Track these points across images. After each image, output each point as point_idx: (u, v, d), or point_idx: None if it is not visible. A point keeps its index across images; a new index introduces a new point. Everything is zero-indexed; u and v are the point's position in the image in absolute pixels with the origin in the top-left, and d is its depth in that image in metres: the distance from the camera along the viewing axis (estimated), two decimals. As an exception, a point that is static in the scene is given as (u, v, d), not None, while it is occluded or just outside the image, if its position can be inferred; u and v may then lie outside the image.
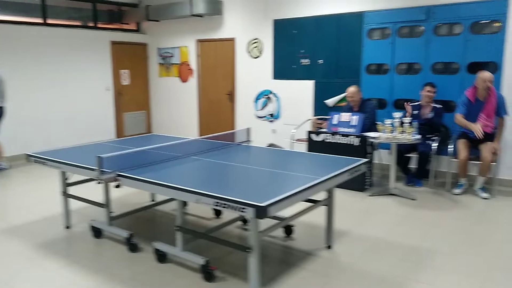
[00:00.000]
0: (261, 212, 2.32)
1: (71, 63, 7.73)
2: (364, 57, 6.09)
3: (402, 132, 4.79)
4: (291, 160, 3.61)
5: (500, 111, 4.87)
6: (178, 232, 3.13)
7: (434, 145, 5.16)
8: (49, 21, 7.47)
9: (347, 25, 6.19)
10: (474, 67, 5.23)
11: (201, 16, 7.70)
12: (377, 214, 4.44)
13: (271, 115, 7.33)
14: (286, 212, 3.09)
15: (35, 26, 7.26)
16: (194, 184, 2.75)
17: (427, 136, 5.27)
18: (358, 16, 6.04)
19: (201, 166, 3.35)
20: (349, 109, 5.66)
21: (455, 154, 5.17)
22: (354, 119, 5.25)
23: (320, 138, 5.43)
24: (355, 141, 5.13)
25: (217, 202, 2.49)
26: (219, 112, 8.07)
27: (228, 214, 4.17)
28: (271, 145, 6.89)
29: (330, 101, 6.51)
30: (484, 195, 4.87)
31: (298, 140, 6.27)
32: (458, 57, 5.33)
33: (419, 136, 4.84)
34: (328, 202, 3.47)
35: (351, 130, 5.22)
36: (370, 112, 5.48)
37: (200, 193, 2.57)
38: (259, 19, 7.14)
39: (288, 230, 3.79)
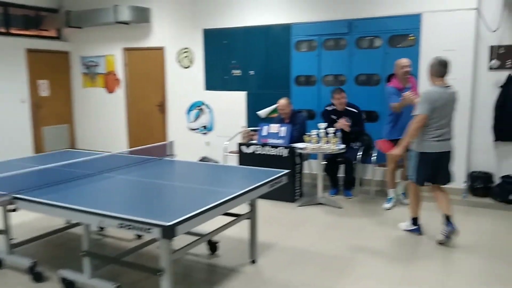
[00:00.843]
0: (168, 232, 2.15)
1: (-20, 72, 7.06)
2: (293, 69, 6.13)
3: (327, 142, 4.84)
4: (211, 174, 3.48)
5: None
6: (86, 258, 2.86)
7: (359, 153, 5.25)
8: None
9: (276, 36, 6.22)
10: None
11: (127, 23, 7.40)
12: (304, 224, 4.41)
13: (204, 127, 7.16)
14: (209, 227, 2.96)
15: None
16: (100, 205, 2.52)
17: (351, 142, 5.32)
18: (286, 28, 6.09)
19: (114, 184, 3.11)
20: (280, 120, 5.64)
21: (378, 161, 5.32)
22: (283, 130, 5.24)
23: (250, 150, 5.35)
24: (284, 152, 5.11)
25: (121, 224, 2.29)
26: (149, 124, 7.75)
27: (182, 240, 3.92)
28: (204, 158, 6.71)
29: (262, 112, 6.47)
30: (406, 201, 5.03)
31: (231, 152, 6.15)
32: (378, 69, 5.53)
33: (343, 146, 4.93)
34: (251, 216, 3.37)
35: (280, 141, 5.20)
36: (300, 124, 5.49)
37: (102, 215, 2.35)
38: (188, 28, 6.98)
39: (213, 246, 3.63)
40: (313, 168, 6.01)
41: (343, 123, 5.18)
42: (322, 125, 4.93)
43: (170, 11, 7.13)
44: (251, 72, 6.49)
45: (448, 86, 3.76)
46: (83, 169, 3.47)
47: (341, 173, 5.66)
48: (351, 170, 5.38)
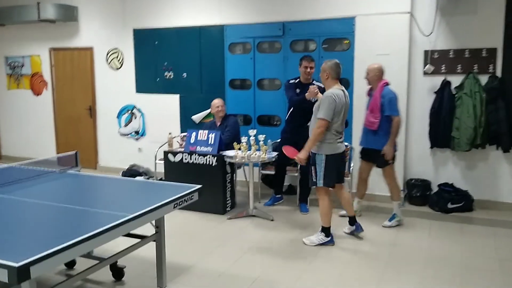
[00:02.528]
0: (17, 275, 1.77)
1: None
2: (227, 72, 5.83)
3: (257, 150, 4.58)
4: (109, 192, 3.12)
5: (383, 108, 4.25)
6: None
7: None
8: None
9: (210, 38, 5.90)
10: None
11: (53, 22, 6.84)
12: (229, 241, 4.11)
13: (136, 132, 6.73)
14: (114, 249, 2.62)
15: None
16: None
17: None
18: (219, 29, 5.78)
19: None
20: (213, 124, 5.32)
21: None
22: (211, 137, 4.91)
23: (177, 158, 5.00)
24: (213, 161, 4.80)
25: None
26: (78, 129, 7.21)
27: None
28: (133, 166, 6.28)
29: (196, 117, 6.14)
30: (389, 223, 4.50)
31: (161, 159, 5.76)
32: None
33: (274, 154, 4.68)
34: (157, 238, 3.03)
35: (209, 149, 4.88)
36: (232, 126, 5.16)
37: None
38: (118, 27, 6.53)
39: (118, 272, 3.24)
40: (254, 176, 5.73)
41: (313, 90, 4.31)
42: (252, 131, 4.66)
43: (98, 9, 6.65)
44: (184, 75, 6.14)
45: (343, 88, 3.91)
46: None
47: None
48: (308, 183, 4.98)
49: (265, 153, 4.57)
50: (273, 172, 5.20)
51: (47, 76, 7.31)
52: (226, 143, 4.93)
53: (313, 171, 3.88)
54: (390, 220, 4.51)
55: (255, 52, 5.60)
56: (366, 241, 4.10)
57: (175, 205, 2.80)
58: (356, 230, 4.14)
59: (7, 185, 3.08)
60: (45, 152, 7.33)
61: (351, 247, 3.95)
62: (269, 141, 4.73)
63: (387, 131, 4.29)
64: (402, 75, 4.92)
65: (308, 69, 4.75)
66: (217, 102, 5.25)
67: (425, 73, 4.96)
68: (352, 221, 4.15)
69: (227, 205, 4.94)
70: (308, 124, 4.72)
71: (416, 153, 5.13)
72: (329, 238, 3.96)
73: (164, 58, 6.25)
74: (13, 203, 2.72)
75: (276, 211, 4.98)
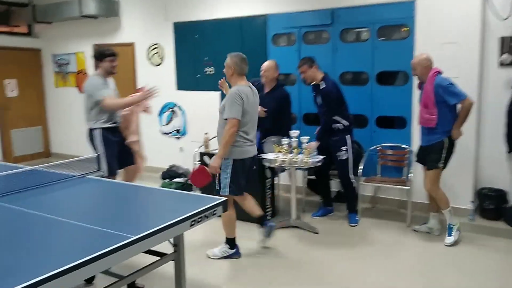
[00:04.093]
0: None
1: None
2: (270, 66, 5.36)
3: (299, 153, 4.06)
4: (124, 203, 2.76)
5: (441, 100, 3.67)
6: None
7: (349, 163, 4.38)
8: None
9: (252, 29, 5.46)
10: (384, 78, 4.66)
11: (95, 17, 6.73)
12: (264, 256, 3.65)
13: (178, 130, 6.46)
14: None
15: None
16: None
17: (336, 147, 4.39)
18: (262, 20, 5.33)
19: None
20: (261, 87, 4.54)
21: (367, 175, 4.55)
22: (250, 138, 4.45)
23: (213, 160, 4.61)
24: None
25: None
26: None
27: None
28: (172, 166, 6.00)
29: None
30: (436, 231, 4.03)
31: (199, 161, 5.42)
32: (366, 66, 4.72)
33: (319, 158, 4.15)
34: (176, 257, 2.63)
35: (246, 151, 4.43)
36: (279, 99, 4.49)
37: None
38: (159, 21, 6.27)
39: (137, 292, 2.91)
40: (297, 179, 5.22)
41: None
42: (295, 132, 4.16)
43: (139, 2, 6.44)
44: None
45: (251, 86, 3.53)
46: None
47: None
48: (348, 188, 4.45)
49: (308, 156, 4.05)
50: (319, 177, 4.69)
51: (91, 73, 7.25)
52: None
53: (218, 177, 3.47)
54: (450, 235, 3.83)
55: (301, 43, 5.08)
56: (421, 264, 3.46)
57: (193, 222, 2.37)
58: (265, 235, 3.74)
59: (24, 191, 2.81)
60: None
61: (407, 273, 3.34)
62: (313, 142, 4.20)
63: (448, 126, 3.70)
64: (473, 66, 4.22)
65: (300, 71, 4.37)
66: (265, 64, 4.53)
67: (501, 64, 4.24)
68: (263, 220, 3.75)
69: (267, 214, 4.48)
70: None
71: (489, 158, 4.39)
72: (233, 250, 3.63)
73: (204, 52, 5.90)
74: (17, 215, 2.43)
75: (322, 221, 4.47)
